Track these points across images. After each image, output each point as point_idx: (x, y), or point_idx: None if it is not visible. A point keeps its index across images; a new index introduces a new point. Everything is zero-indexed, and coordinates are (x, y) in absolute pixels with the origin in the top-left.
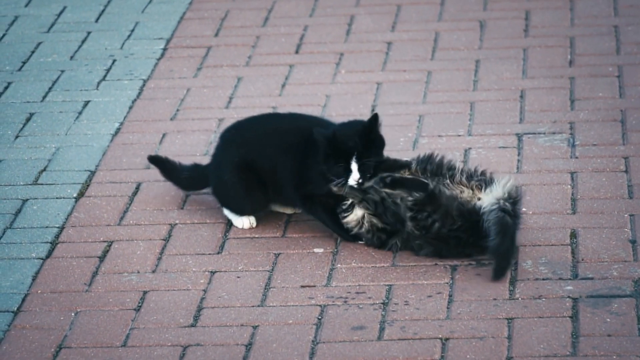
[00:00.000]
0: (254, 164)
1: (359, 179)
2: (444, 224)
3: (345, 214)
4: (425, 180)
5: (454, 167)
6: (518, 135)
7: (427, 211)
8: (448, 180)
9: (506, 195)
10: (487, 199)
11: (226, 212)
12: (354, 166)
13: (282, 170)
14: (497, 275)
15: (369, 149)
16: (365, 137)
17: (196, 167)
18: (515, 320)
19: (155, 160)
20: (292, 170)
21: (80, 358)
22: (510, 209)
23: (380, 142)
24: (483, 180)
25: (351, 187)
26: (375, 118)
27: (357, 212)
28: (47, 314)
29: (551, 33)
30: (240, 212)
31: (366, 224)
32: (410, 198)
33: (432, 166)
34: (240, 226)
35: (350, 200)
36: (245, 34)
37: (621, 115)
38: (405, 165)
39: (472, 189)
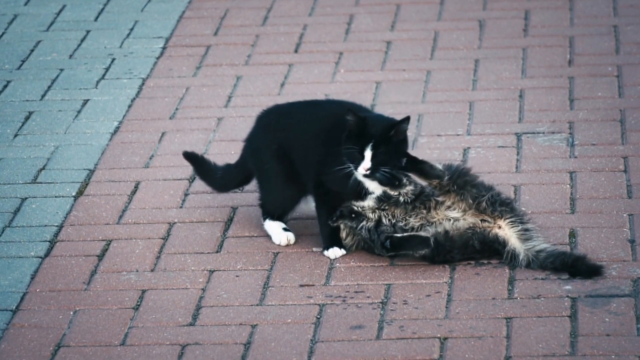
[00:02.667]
0: (289, 151)
1: (369, 168)
2: (464, 253)
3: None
4: (425, 235)
5: (483, 189)
6: (517, 135)
7: (441, 255)
8: (471, 201)
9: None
10: (520, 245)
11: (266, 226)
12: (368, 153)
13: (311, 154)
14: (595, 272)
15: (389, 145)
16: (390, 131)
17: (229, 167)
18: (514, 320)
19: (191, 158)
20: (319, 154)
21: (79, 357)
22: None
23: (402, 144)
24: (505, 210)
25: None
26: (406, 119)
27: (347, 239)
28: (45, 312)
29: (550, 33)
30: (275, 205)
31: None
32: (416, 255)
33: (461, 180)
34: (277, 242)
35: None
36: (245, 33)
37: (620, 115)
38: (438, 176)
39: (494, 219)
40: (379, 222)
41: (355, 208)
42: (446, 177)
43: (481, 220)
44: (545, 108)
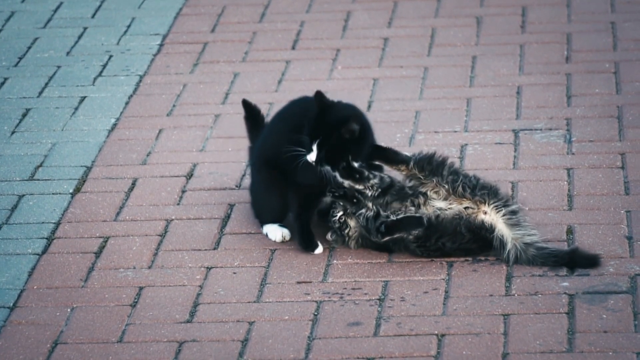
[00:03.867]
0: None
1: (315, 160)
2: (454, 242)
3: (343, 229)
4: (417, 215)
5: (457, 173)
6: (515, 132)
7: (433, 239)
8: (447, 186)
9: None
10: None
11: (265, 227)
12: (314, 147)
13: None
14: (593, 263)
15: (338, 142)
16: (339, 128)
17: None
18: (512, 317)
19: (248, 107)
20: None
21: (76, 354)
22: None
23: (355, 141)
24: (486, 194)
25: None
26: (356, 118)
27: (351, 224)
28: (43, 309)
29: (548, 29)
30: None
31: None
32: (410, 237)
33: (432, 166)
34: (273, 239)
35: (341, 213)
36: (242, 30)
37: (618, 111)
38: (404, 161)
39: (477, 204)
40: (377, 214)
41: (357, 194)
42: (412, 162)
43: (465, 208)
44: (543, 105)
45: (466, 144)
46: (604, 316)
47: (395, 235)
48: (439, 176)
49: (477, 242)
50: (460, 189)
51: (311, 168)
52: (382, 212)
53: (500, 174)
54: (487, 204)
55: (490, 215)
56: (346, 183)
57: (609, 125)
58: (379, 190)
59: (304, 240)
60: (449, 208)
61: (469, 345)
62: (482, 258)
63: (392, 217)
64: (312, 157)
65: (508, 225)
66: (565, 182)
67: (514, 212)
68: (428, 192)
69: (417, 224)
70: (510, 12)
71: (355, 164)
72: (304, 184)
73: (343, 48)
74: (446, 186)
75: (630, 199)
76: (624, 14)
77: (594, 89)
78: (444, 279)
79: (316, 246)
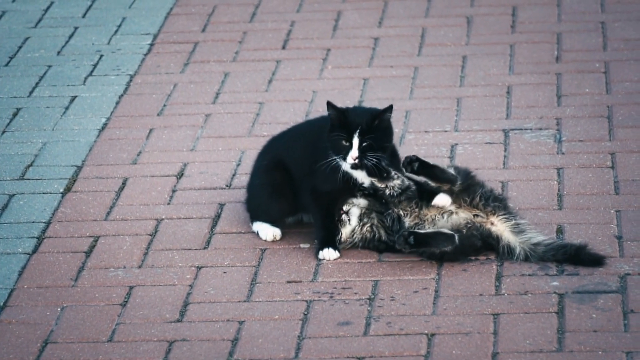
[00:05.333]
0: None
1: (357, 157)
2: (468, 253)
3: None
4: (449, 232)
5: (483, 186)
6: (505, 131)
7: (458, 252)
8: (467, 198)
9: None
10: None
11: (255, 225)
12: (355, 141)
13: (299, 165)
14: (598, 262)
15: (375, 132)
16: (374, 119)
17: None
18: (501, 316)
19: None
20: (305, 163)
21: (66, 353)
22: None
23: (387, 132)
24: (497, 207)
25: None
26: (389, 107)
27: (353, 222)
28: (33, 309)
29: (538, 29)
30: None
31: (366, 234)
32: (437, 251)
33: (467, 183)
34: (264, 238)
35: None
36: (232, 30)
37: (608, 111)
38: (450, 181)
39: (487, 214)
40: (399, 217)
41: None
42: (458, 182)
43: (474, 215)
44: (533, 104)
45: (456, 144)
46: (594, 315)
47: (422, 249)
48: (468, 192)
49: (483, 250)
50: (477, 199)
51: (332, 174)
52: (403, 217)
53: (491, 174)
54: (496, 216)
55: (497, 226)
56: (369, 181)
57: (599, 125)
58: (399, 191)
59: (324, 245)
60: (456, 213)
61: (458, 345)
62: (472, 258)
63: (422, 230)
64: (354, 155)
65: (513, 233)
66: (555, 182)
67: (518, 223)
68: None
69: (448, 241)
70: (501, 12)
71: (385, 165)
72: (323, 190)
73: (333, 48)
74: (466, 197)
75: (620, 199)
76: (614, 13)
77: (584, 88)
78: (433, 279)
79: (335, 251)
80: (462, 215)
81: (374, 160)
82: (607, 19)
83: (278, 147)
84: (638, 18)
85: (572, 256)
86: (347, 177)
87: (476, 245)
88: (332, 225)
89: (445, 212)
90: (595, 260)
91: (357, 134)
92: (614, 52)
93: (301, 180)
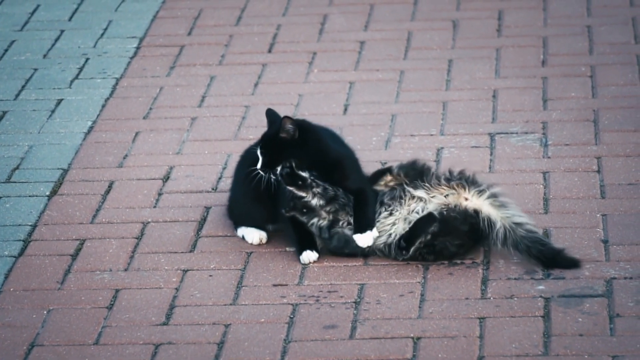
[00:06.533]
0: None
1: (260, 168)
2: (455, 238)
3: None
4: (426, 214)
5: (429, 171)
6: (490, 135)
7: (445, 232)
8: (428, 184)
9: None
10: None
11: (240, 230)
12: (259, 152)
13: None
14: (574, 265)
15: (279, 145)
16: (277, 130)
17: None
18: (487, 320)
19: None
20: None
21: (52, 356)
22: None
23: (298, 145)
24: (465, 180)
25: (292, 208)
26: (285, 118)
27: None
28: (19, 311)
29: (524, 33)
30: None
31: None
32: (429, 237)
33: (415, 171)
34: (250, 241)
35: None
36: (219, 33)
37: (594, 115)
38: (385, 171)
39: (456, 189)
40: (333, 221)
41: (309, 203)
42: (395, 169)
43: (445, 196)
44: (519, 108)
45: (442, 147)
46: (580, 319)
47: (417, 243)
48: (421, 181)
49: (472, 236)
50: (435, 179)
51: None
52: (340, 219)
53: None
54: (467, 190)
55: (472, 201)
56: (289, 189)
57: (585, 128)
58: (323, 200)
59: (302, 249)
60: (431, 197)
61: (444, 349)
62: (458, 261)
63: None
64: (258, 164)
65: (494, 206)
66: (541, 186)
67: (496, 195)
68: (406, 188)
69: (430, 221)
70: (487, 15)
71: (303, 173)
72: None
73: (319, 51)
74: (425, 184)
75: (606, 203)
76: (600, 17)
77: (570, 92)
78: (419, 282)
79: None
80: (435, 202)
81: (281, 167)
82: (593, 22)
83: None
84: (624, 22)
85: (549, 259)
86: (272, 182)
87: (462, 230)
88: (304, 228)
89: (420, 204)
90: (571, 263)
91: (260, 146)
92: (600, 56)
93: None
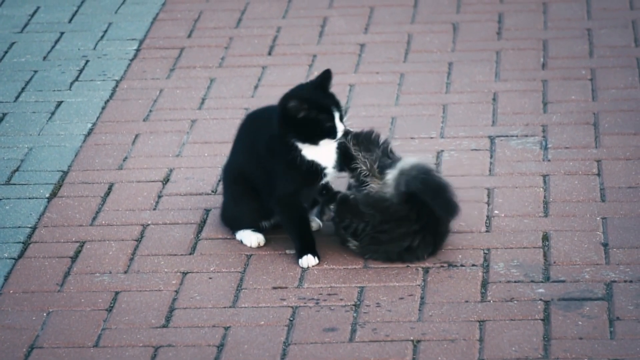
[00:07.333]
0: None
1: (345, 128)
2: (366, 222)
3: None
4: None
5: (385, 154)
6: (491, 138)
7: (347, 219)
8: (370, 166)
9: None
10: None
11: (239, 233)
12: (337, 115)
13: (259, 172)
14: (450, 210)
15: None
16: (326, 88)
17: None
18: (487, 323)
19: None
20: (263, 169)
21: (52, 358)
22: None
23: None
24: (386, 165)
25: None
26: (328, 73)
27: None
28: (19, 314)
29: (524, 36)
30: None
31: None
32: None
33: (368, 142)
34: (248, 244)
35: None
36: (219, 35)
37: (594, 118)
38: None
39: (376, 176)
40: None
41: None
42: (349, 135)
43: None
44: (519, 111)
45: (442, 150)
46: (580, 323)
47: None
48: (369, 152)
49: (388, 223)
50: (377, 170)
51: (292, 173)
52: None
53: (476, 181)
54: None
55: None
56: (332, 163)
57: (585, 132)
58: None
59: (302, 253)
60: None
61: (444, 352)
62: (458, 264)
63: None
64: (341, 129)
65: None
66: (541, 189)
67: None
68: (359, 167)
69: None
70: (487, 18)
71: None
72: (287, 193)
73: (319, 54)
74: (368, 165)
75: (606, 206)
76: (600, 20)
77: (570, 95)
78: (419, 285)
79: (314, 258)
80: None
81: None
82: (593, 25)
83: (237, 160)
84: (624, 25)
85: (430, 194)
86: (312, 165)
87: (364, 212)
88: (307, 231)
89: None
90: (448, 209)
91: (335, 109)
92: (600, 59)
93: (265, 187)
